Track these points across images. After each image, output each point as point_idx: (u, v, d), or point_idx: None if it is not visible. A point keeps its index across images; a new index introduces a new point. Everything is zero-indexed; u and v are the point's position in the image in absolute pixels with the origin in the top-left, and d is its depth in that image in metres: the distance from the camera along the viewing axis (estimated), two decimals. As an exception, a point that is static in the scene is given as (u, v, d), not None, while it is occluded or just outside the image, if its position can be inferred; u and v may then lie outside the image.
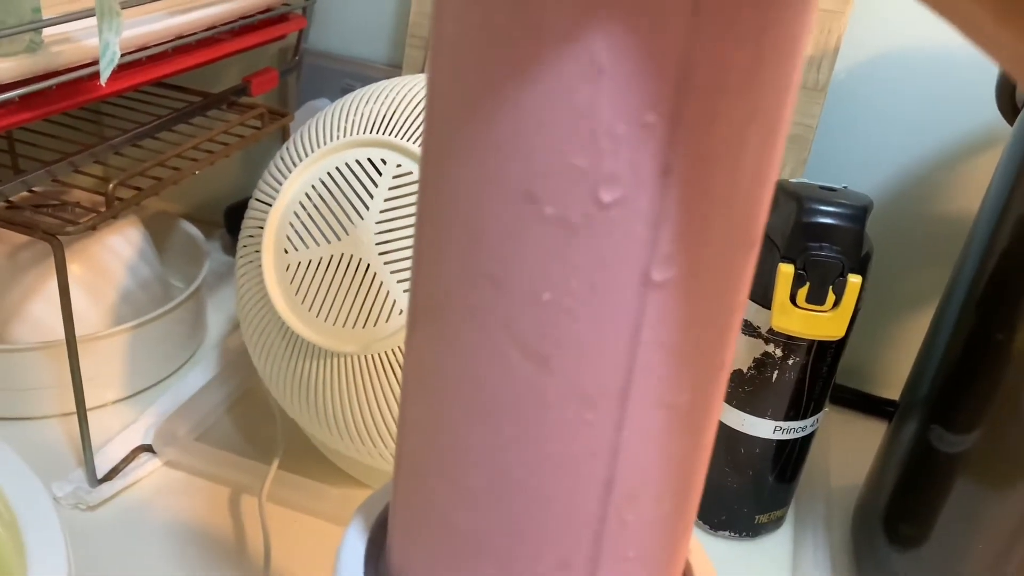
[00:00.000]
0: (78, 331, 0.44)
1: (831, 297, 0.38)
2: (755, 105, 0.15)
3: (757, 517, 0.46)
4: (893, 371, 0.60)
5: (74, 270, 0.50)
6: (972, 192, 0.54)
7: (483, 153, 0.15)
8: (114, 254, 0.52)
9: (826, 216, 0.37)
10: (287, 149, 0.42)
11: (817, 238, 0.37)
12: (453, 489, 0.18)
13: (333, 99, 0.63)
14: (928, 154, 0.53)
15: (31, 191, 0.41)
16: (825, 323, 0.38)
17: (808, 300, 0.38)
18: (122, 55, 0.41)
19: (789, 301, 0.38)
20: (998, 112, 0.42)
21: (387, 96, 0.41)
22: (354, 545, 0.22)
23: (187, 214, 0.69)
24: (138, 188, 0.42)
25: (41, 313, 0.49)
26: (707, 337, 0.16)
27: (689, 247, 0.15)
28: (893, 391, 0.57)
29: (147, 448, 0.47)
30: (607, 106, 0.14)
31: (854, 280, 0.37)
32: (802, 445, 0.44)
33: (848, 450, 0.54)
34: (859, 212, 0.38)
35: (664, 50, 0.13)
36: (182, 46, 0.46)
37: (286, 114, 0.53)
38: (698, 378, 0.17)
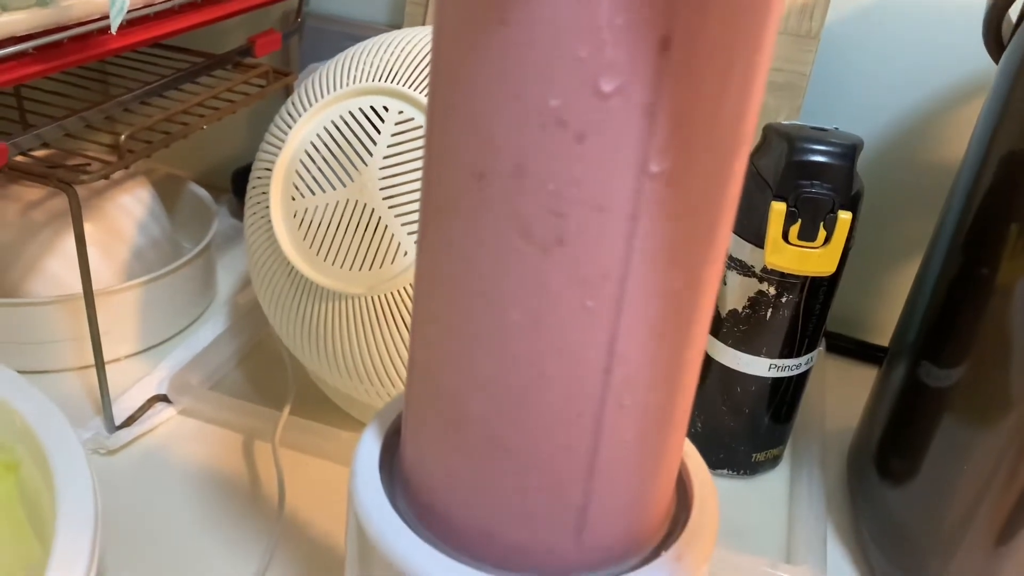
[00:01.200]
0: (93, 286, 0.45)
1: (822, 233, 0.39)
2: (743, 4, 0.16)
3: (754, 455, 0.47)
4: (886, 318, 0.61)
5: (87, 228, 0.51)
6: (961, 139, 0.55)
7: (491, 52, 0.16)
8: (125, 212, 0.54)
9: (816, 154, 0.38)
10: (291, 102, 0.43)
11: (808, 176, 0.39)
12: (463, 378, 0.19)
13: (335, 61, 0.64)
14: (919, 101, 0.54)
15: (44, 146, 0.42)
16: (817, 259, 0.39)
17: (800, 237, 0.39)
18: (130, 11, 0.42)
19: (782, 238, 0.39)
20: (987, 58, 0.43)
21: (388, 47, 0.42)
22: (369, 448, 0.23)
23: (195, 178, 0.70)
24: (148, 142, 0.43)
25: (57, 268, 0.50)
26: (699, 228, 0.17)
27: (683, 140, 0.16)
28: (885, 338, 0.59)
29: (162, 397, 0.49)
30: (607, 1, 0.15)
31: (844, 216, 0.39)
32: (797, 383, 0.46)
33: (843, 395, 0.56)
34: (848, 150, 0.39)
35: None
36: (188, 3, 0.47)
37: (289, 73, 0.54)
38: (691, 267, 0.18)
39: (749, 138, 0.18)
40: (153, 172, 0.64)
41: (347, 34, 0.63)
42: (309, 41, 0.64)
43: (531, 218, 0.17)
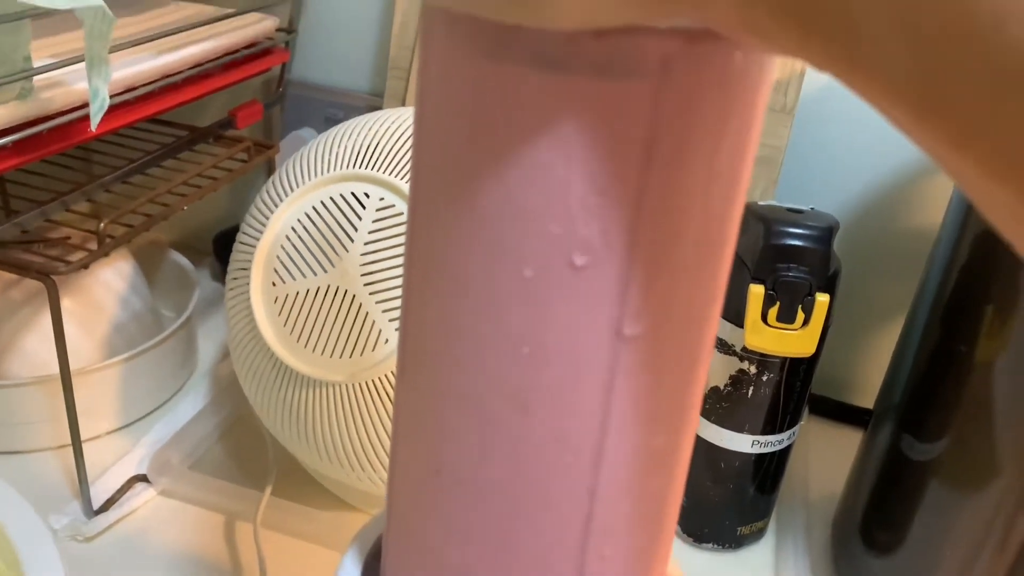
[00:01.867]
0: (72, 365, 0.45)
1: (801, 315, 0.39)
2: (715, 171, 0.16)
3: (739, 529, 0.47)
4: (868, 380, 0.61)
5: (66, 304, 0.51)
6: (936, 207, 0.55)
7: (467, 221, 0.16)
8: (106, 287, 0.54)
9: (793, 238, 0.39)
10: (273, 184, 0.44)
11: (785, 259, 0.39)
12: (441, 528, 0.19)
13: (317, 128, 0.64)
14: (894, 171, 0.55)
15: (25, 234, 0.42)
16: (796, 341, 0.39)
17: (779, 319, 0.39)
18: (111, 96, 0.43)
19: (761, 320, 0.39)
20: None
21: (369, 130, 0.42)
22: (350, 572, 0.23)
23: (176, 242, 0.70)
24: (129, 225, 0.43)
25: (35, 347, 0.50)
26: (676, 384, 0.18)
27: (657, 304, 0.16)
28: (868, 400, 0.59)
29: (142, 478, 0.48)
30: (579, 180, 0.15)
31: (822, 299, 0.39)
32: (780, 457, 0.46)
33: (826, 459, 0.56)
34: (825, 233, 0.39)
35: (629, 130, 0.15)
36: (169, 84, 0.47)
37: (271, 146, 0.54)
38: (669, 421, 0.18)
39: (722, 292, 0.18)
40: (133, 240, 0.63)
41: (329, 102, 0.64)
42: (291, 109, 0.65)
43: (506, 379, 0.17)
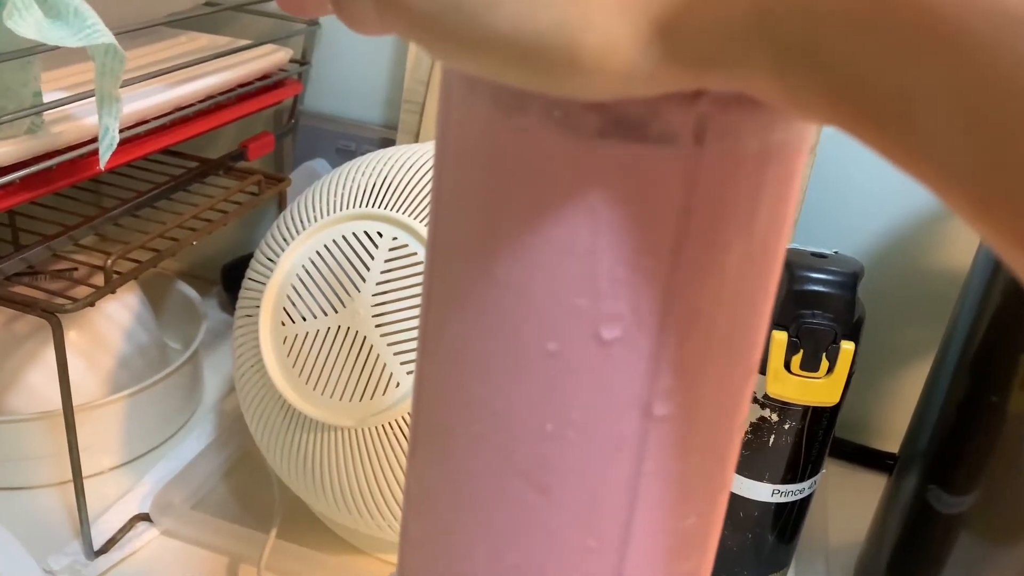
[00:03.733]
0: (75, 399, 0.44)
1: (825, 363, 0.38)
2: (753, 241, 0.15)
3: (758, 579, 0.46)
4: (891, 424, 0.60)
5: (71, 338, 0.50)
6: (964, 248, 0.54)
7: (486, 289, 0.15)
8: (111, 321, 0.53)
9: (817, 284, 0.38)
10: (283, 221, 0.43)
11: (809, 306, 0.38)
12: None
13: (329, 160, 0.64)
14: (919, 211, 0.54)
15: (31, 270, 0.41)
16: (819, 389, 0.38)
17: (802, 367, 0.38)
18: (121, 130, 0.42)
19: (784, 368, 0.38)
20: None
21: (382, 167, 0.41)
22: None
23: (184, 272, 0.69)
24: (137, 260, 0.42)
25: (38, 383, 0.49)
26: (709, 463, 0.16)
27: (689, 382, 0.15)
28: (891, 444, 0.57)
29: (144, 517, 0.47)
30: (607, 251, 0.14)
31: (847, 347, 0.38)
32: (800, 506, 0.44)
33: (847, 505, 0.54)
34: (850, 279, 0.38)
35: (662, 199, 0.14)
36: (181, 117, 0.46)
37: (283, 179, 0.53)
38: (700, 502, 0.17)
39: (757, 364, 0.17)
40: (142, 270, 0.63)
41: (341, 133, 0.63)
42: (303, 140, 0.64)
43: (527, 458, 0.16)
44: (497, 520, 0.16)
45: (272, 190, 0.52)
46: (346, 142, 0.63)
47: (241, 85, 0.52)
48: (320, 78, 0.64)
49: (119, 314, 0.53)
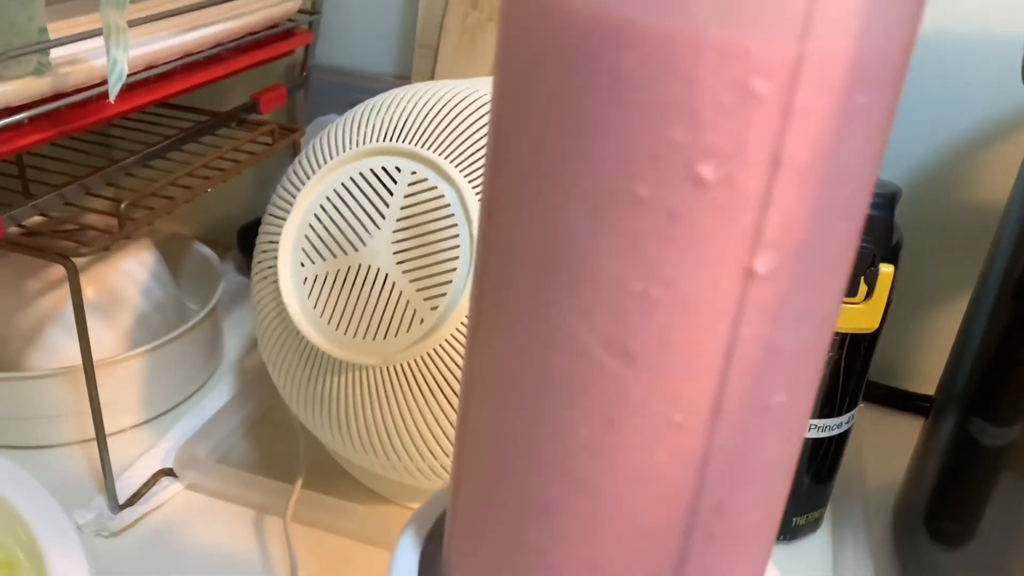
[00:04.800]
0: (94, 356, 0.43)
1: (863, 288, 0.37)
2: (868, 82, 0.13)
3: (795, 519, 0.45)
4: (926, 366, 0.58)
5: (88, 294, 0.50)
6: (1001, 178, 0.52)
7: (567, 123, 0.14)
8: (128, 278, 0.52)
9: (854, 205, 0.36)
10: (299, 163, 0.42)
11: (846, 228, 0.36)
12: (523, 502, 0.16)
13: (342, 114, 0.62)
14: (956, 139, 0.52)
15: (43, 216, 0.40)
16: (858, 315, 0.37)
17: (840, 292, 0.37)
18: (130, 75, 0.41)
19: (820, 294, 0.37)
20: None
21: (398, 104, 0.40)
22: (406, 559, 0.21)
23: (200, 236, 0.68)
24: (150, 208, 0.42)
25: (57, 339, 0.48)
26: (806, 334, 0.15)
27: (796, 236, 0.14)
28: (927, 386, 0.56)
29: (168, 472, 0.46)
30: (711, 72, 0.12)
31: (886, 270, 0.36)
32: (838, 443, 0.43)
33: (883, 448, 0.53)
34: (887, 200, 0.37)
35: (783, 14, 0.12)
36: (190, 64, 0.45)
37: (296, 129, 0.52)
38: (796, 378, 0.15)
39: (861, 225, 0.15)
40: (156, 232, 0.62)
41: (354, 86, 0.62)
42: (315, 94, 0.63)
43: (609, 321, 0.14)
44: (572, 394, 0.15)
45: (286, 139, 0.51)
46: (359, 95, 0.61)
47: (250, 33, 0.50)
48: (331, 32, 0.63)
49: (136, 271, 0.52)
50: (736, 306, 0.14)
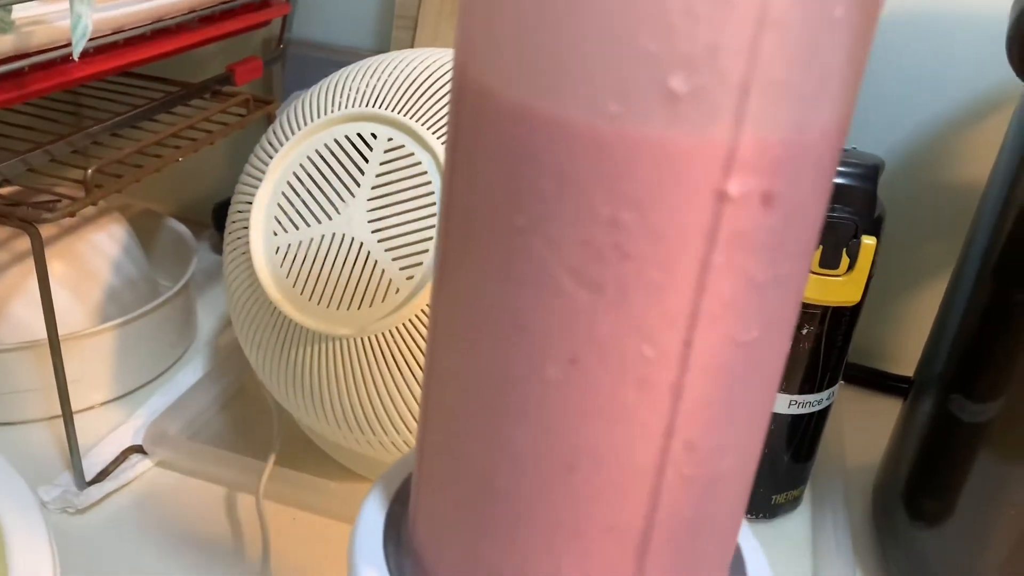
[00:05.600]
0: (62, 330, 0.42)
1: (845, 260, 0.36)
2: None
3: (774, 497, 0.44)
4: (906, 348, 0.58)
5: (56, 268, 0.48)
6: (985, 155, 0.52)
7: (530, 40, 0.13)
8: (98, 252, 0.51)
9: (837, 176, 0.36)
10: (272, 131, 0.41)
11: (829, 199, 0.36)
12: (487, 446, 0.16)
13: (320, 89, 0.61)
14: (939, 116, 0.52)
15: (8, 185, 0.39)
16: (840, 288, 0.36)
17: (821, 264, 0.36)
18: (97, 38, 0.40)
19: (802, 266, 0.36)
20: (1010, 70, 0.41)
21: (375, 71, 0.39)
22: (372, 519, 0.20)
23: (175, 214, 0.67)
24: (118, 176, 0.40)
25: (23, 313, 0.47)
26: (783, 264, 0.14)
27: (773, 158, 0.13)
28: (906, 368, 0.56)
29: (138, 448, 0.45)
30: None
31: (868, 241, 0.36)
32: (818, 420, 0.43)
33: (863, 429, 0.53)
34: (870, 171, 0.36)
35: None
36: (161, 30, 0.44)
37: (271, 101, 0.51)
38: (772, 313, 0.15)
39: (842, 145, 0.15)
40: (129, 208, 0.61)
41: (332, 60, 0.61)
42: (292, 69, 0.62)
43: (577, 251, 0.13)
44: (539, 329, 0.14)
45: (260, 111, 0.50)
46: (337, 69, 0.60)
47: (225, 2, 0.49)
48: (309, 4, 0.61)
49: (106, 245, 0.51)
50: (708, 233, 0.13)
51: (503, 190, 0.14)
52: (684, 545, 0.16)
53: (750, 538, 0.21)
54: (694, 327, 0.14)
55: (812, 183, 0.14)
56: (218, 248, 0.68)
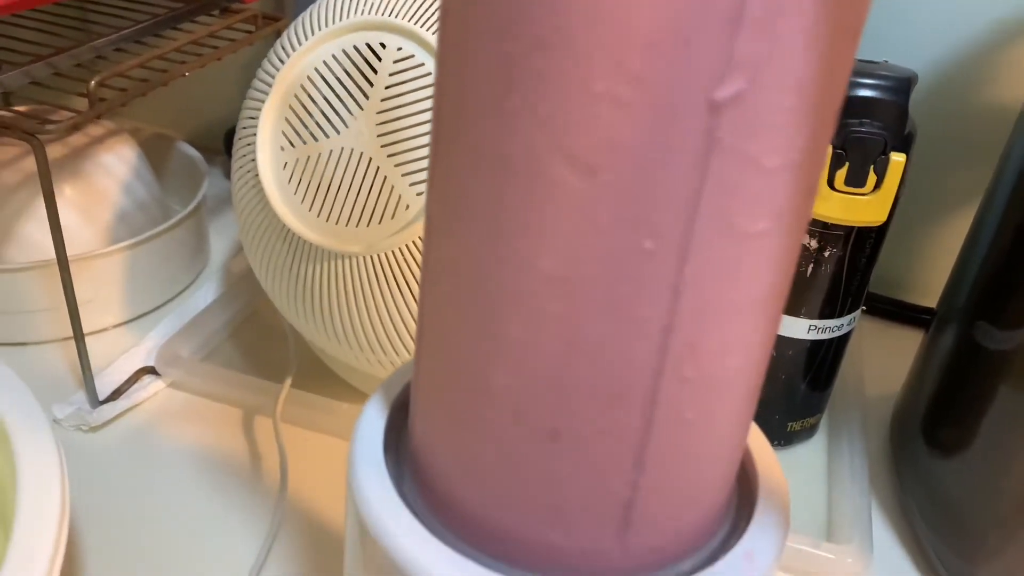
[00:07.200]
0: (72, 251, 0.41)
1: (872, 178, 0.35)
2: None
3: (790, 424, 0.44)
4: (928, 278, 0.57)
5: (65, 191, 0.48)
6: (1018, 81, 0.50)
7: None
8: (107, 173, 0.50)
9: (867, 89, 0.34)
10: (280, 44, 0.39)
11: (857, 114, 0.34)
12: (484, 343, 0.15)
13: (331, 9, 0.60)
14: (976, 33, 0.50)
15: (6, 96, 0.38)
16: (866, 207, 0.35)
17: (847, 183, 0.35)
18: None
19: (827, 184, 0.35)
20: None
21: (385, -22, 0.37)
22: (371, 426, 0.19)
23: (187, 139, 0.66)
24: (122, 89, 0.39)
25: (33, 232, 0.47)
26: (794, 148, 0.13)
27: (782, 22, 0.12)
28: (929, 299, 0.55)
29: (150, 370, 0.45)
30: None
31: (897, 158, 0.34)
32: (837, 346, 0.42)
33: (883, 359, 0.52)
34: (902, 84, 0.35)
35: None
36: (164, -61, 0.43)
37: (280, 18, 0.50)
38: (782, 202, 0.14)
39: (854, 50, 0.14)
40: (140, 132, 0.60)
41: (343, -21, 0.59)
42: (302, -13, 0.60)
43: (570, 131, 0.13)
44: (534, 219, 0.13)
45: (269, 28, 0.48)
46: (348, -12, 0.59)
47: (231, -88, 0.47)
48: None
49: (116, 167, 0.50)
50: (712, 108, 0.12)
51: (495, 67, 0.13)
52: (684, 447, 0.15)
53: (767, 450, 0.20)
54: (695, 217, 0.13)
55: (823, 56, 0.13)
56: (230, 174, 0.67)
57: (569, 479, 0.15)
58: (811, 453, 0.45)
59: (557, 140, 0.13)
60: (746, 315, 0.15)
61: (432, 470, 0.17)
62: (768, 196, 0.13)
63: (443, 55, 0.14)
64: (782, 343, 0.41)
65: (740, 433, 0.17)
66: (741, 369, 0.15)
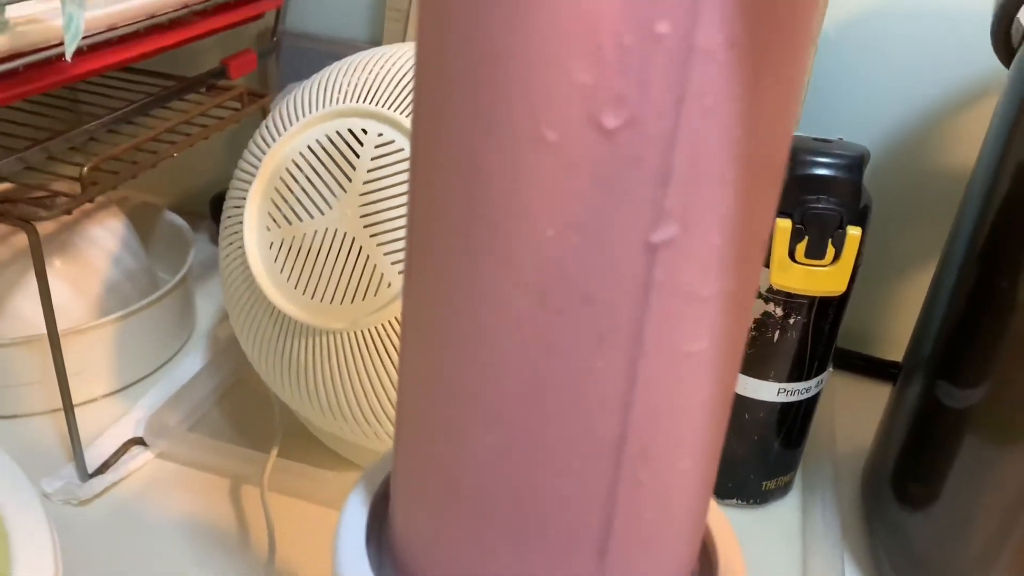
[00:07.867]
0: (62, 324, 0.42)
1: (831, 251, 0.37)
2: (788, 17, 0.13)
3: (764, 483, 0.45)
4: (895, 333, 0.59)
5: (55, 264, 0.49)
6: (971, 143, 0.53)
7: (474, 65, 0.14)
8: (96, 246, 0.51)
9: (822, 167, 0.36)
10: (266, 126, 0.41)
11: (814, 190, 0.36)
12: (457, 450, 0.17)
13: (315, 81, 0.62)
14: (924, 105, 0.52)
15: (6, 182, 0.40)
16: (826, 278, 0.37)
17: (807, 255, 0.37)
18: (92, 35, 0.40)
19: (788, 257, 0.37)
20: (994, 59, 0.41)
21: (367, 67, 0.40)
22: (354, 518, 0.21)
23: (172, 206, 0.68)
24: (114, 172, 0.41)
25: (23, 308, 0.48)
26: (727, 278, 0.15)
27: (706, 173, 0.14)
28: (896, 353, 0.56)
29: (139, 440, 0.46)
30: (612, 11, 0.12)
31: (854, 232, 0.36)
32: (807, 407, 0.43)
33: (853, 414, 0.54)
34: (855, 162, 0.37)
35: None
36: (154, 26, 0.44)
37: (265, 95, 0.52)
38: (719, 324, 0.15)
39: (783, 169, 0.15)
40: (127, 201, 0.61)
41: (326, 52, 0.61)
42: (287, 61, 0.62)
43: (528, 268, 0.14)
44: (497, 341, 0.15)
45: (255, 105, 0.50)
46: (331, 61, 0.61)
47: (218, -4, 0.50)
48: (302, -4, 0.62)
49: (104, 239, 0.52)
50: (649, 250, 0.14)
51: (450, 219, 0.15)
52: (644, 545, 0.17)
53: (726, 529, 0.21)
54: (641, 339, 0.14)
55: (750, 198, 0.15)
56: (216, 239, 0.68)
57: (538, 571, 0.16)
58: (786, 511, 0.46)
59: (517, 274, 0.14)
60: (693, 421, 0.16)
61: (412, 562, 0.18)
62: (706, 320, 0.15)
63: (414, 202, 0.16)
64: (754, 406, 0.42)
65: (697, 522, 0.18)
66: (691, 471, 0.17)
